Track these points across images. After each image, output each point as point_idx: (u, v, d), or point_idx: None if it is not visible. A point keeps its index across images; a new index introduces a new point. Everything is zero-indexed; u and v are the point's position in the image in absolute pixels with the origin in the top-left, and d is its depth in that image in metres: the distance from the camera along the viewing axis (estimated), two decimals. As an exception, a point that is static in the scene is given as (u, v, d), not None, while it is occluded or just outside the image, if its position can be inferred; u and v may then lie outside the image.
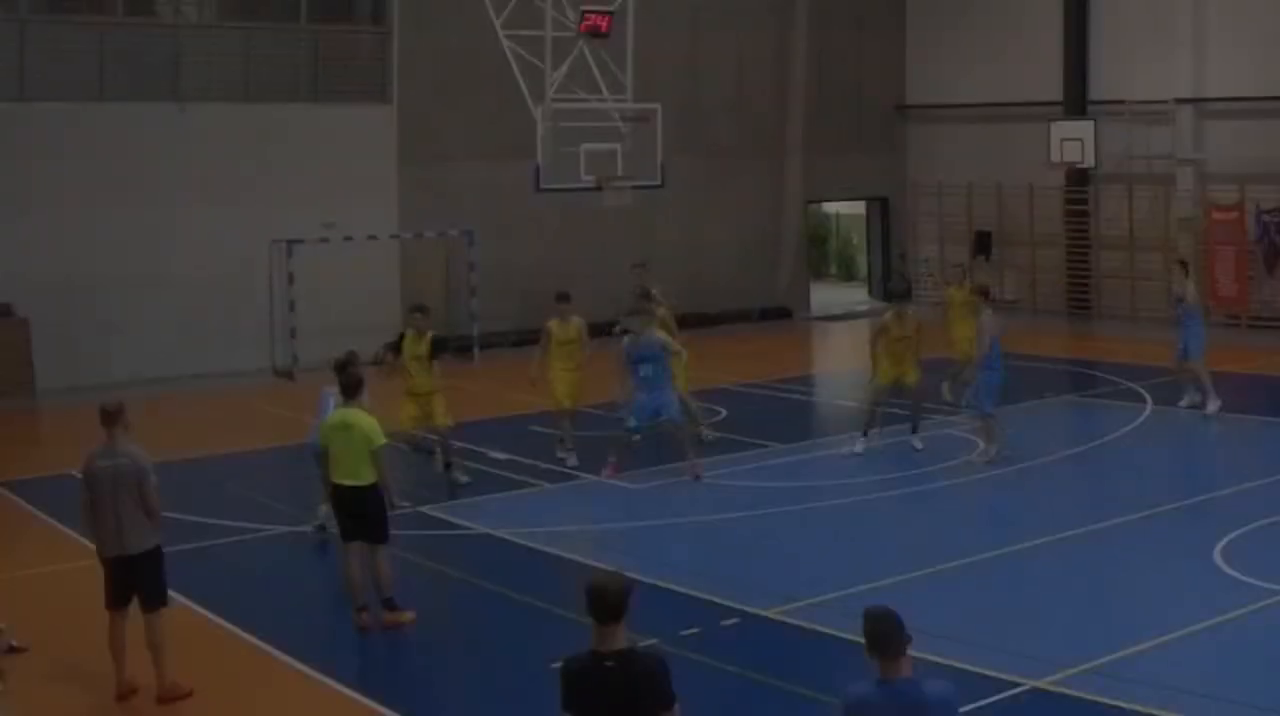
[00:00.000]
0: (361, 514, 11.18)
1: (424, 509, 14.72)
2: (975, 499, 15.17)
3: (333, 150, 24.95)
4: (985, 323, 16.46)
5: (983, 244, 30.40)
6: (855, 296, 34.07)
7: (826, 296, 33.47)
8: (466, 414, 17.29)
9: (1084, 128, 27.85)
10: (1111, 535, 13.26)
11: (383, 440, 11.24)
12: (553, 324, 16.79)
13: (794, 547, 13.62)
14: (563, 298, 16.90)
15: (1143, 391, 20.16)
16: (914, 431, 17.32)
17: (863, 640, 5.87)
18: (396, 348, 15.96)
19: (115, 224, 23.23)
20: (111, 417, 9.81)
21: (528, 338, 26.22)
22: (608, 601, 5.95)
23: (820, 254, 37.13)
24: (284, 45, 25.24)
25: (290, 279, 24.25)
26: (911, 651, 5.84)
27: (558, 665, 6.16)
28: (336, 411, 11.58)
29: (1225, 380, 22.53)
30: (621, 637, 5.99)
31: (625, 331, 16.69)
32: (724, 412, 19.66)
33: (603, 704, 5.95)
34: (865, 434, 17.10)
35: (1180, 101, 27.10)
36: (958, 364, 19.26)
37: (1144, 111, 27.45)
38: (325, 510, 13.66)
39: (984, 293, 17.39)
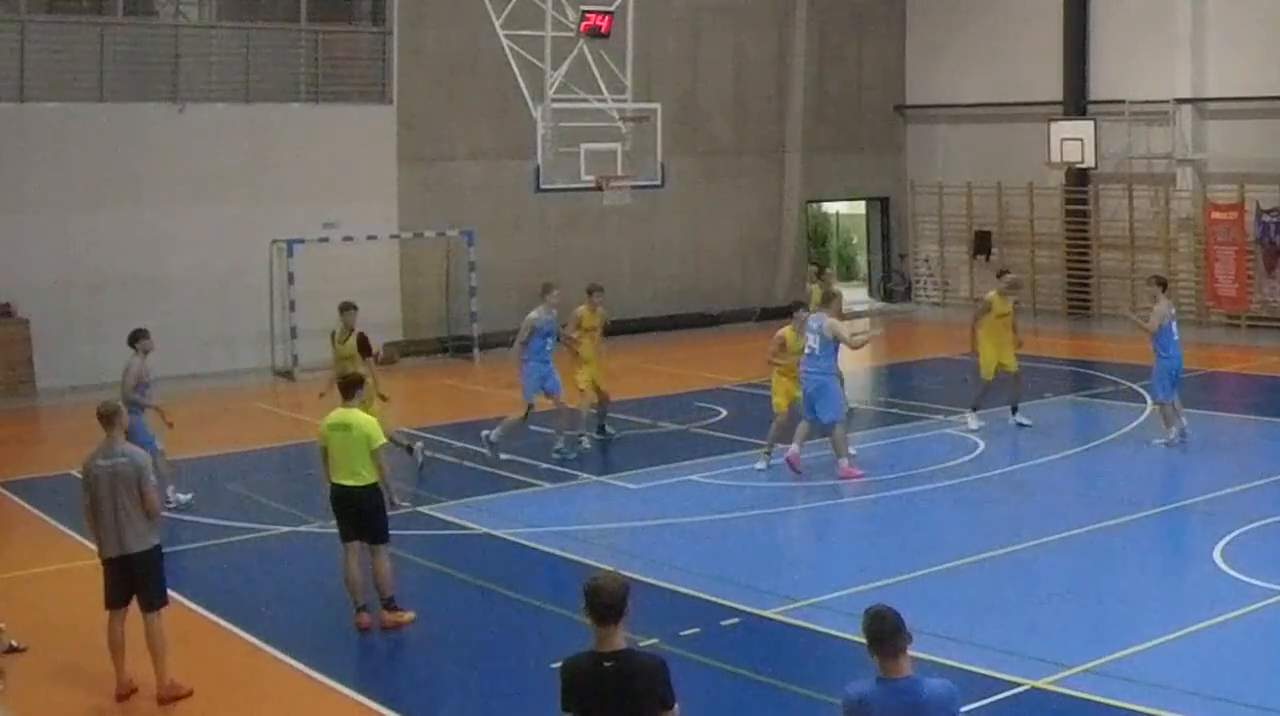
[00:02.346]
0: (361, 513, 11.19)
1: (424, 509, 14.72)
2: (975, 499, 15.15)
3: (333, 150, 24.96)
4: (1162, 310, 16.80)
5: (983, 244, 30.42)
6: (855, 296, 34.01)
7: (826, 296, 33.40)
8: (467, 414, 17.31)
9: (1084, 128, 27.83)
10: (1111, 535, 13.26)
11: (382, 440, 11.24)
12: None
13: (794, 547, 13.62)
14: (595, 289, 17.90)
15: (1143, 391, 20.14)
16: (1014, 411, 17.77)
17: (863, 639, 5.87)
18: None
19: (115, 224, 23.25)
20: (110, 418, 9.82)
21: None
22: (607, 601, 5.95)
23: (820, 254, 37.09)
24: (284, 45, 25.24)
25: (290, 279, 24.25)
26: (912, 651, 5.84)
27: (557, 665, 6.17)
28: (336, 411, 11.59)
29: (1224, 380, 22.58)
30: (621, 638, 5.99)
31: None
32: (724, 412, 19.66)
33: (602, 704, 5.95)
34: (975, 409, 17.73)
35: (1180, 101, 27.09)
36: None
37: (1144, 111, 27.44)
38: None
39: (1161, 282, 17.62)
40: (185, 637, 10.48)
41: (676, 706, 6.00)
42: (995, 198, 30.20)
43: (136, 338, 15.03)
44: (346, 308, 16.31)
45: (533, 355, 16.89)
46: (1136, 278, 28.30)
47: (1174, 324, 16.98)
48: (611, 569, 6.48)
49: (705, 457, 16.86)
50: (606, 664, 5.94)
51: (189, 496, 15.13)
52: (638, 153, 21.25)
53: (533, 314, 16.96)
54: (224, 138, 24.04)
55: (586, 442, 17.39)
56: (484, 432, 16.96)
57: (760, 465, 15.96)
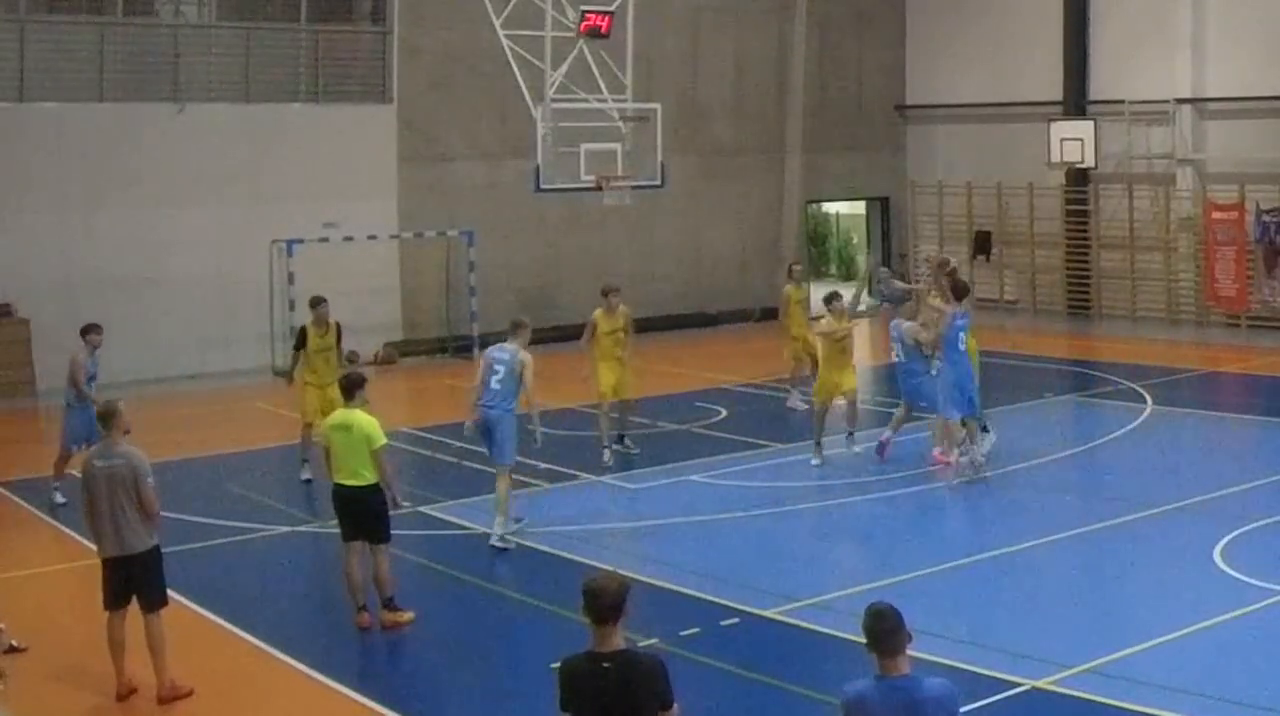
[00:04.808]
0: (362, 513, 11.19)
1: (424, 509, 14.72)
2: (975, 499, 15.15)
3: (333, 150, 24.96)
4: (949, 311, 15.41)
5: (982, 244, 30.41)
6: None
7: (826, 296, 33.40)
8: (467, 414, 17.22)
9: (1084, 128, 27.84)
10: (1111, 535, 13.26)
11: (383, 440, 11.23)
12: (598, 314, 16.85)
13: (794, 547, 13.61)
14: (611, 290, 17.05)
15: (1143, 391, 20.16)
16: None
17: (863, 639, 5.87)
18: (301, 344, 16.17)
19: (115, 224, 23.24)
20: (108, 419, 9.82)
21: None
22: (605, 602, 5.95)
23: (820, 254, 37.12)
24: (284, 45, 25.23)
25: (290, 279, 24.24)
26: (912, 651, 5.84)
27: (557, 665, 6.17)
28: (338, 411, 11.61)
29: (1224, 380, 22.59)
30: (620, 638, 5.98)
31: None
32: (724, 412, 19.67)
33: (601, 704, 5.95)
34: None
35: (1180, 101, 27.09)
36: None
37: (1144, 111, 27.44)
38: None
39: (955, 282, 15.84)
40: (185, 637, 10.48)
41: (676, 706, 6.00)
42: (995, 198, 30.19)
43: (87, 330, 15.41)
44: (320, 301, 16.20)
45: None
46: (1136, 277, 28.37)
47: (965, 323, 15.22)
48: (611, 569, 6.48)
49: (705, 457, 16.86)
50: (605, 664, 5.94)
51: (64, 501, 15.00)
52: (638, 153, 21.25)
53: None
54: (224, 138, 24.04)
55: (608, 457, 16.75)
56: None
57: (816, 461, 16.36)
